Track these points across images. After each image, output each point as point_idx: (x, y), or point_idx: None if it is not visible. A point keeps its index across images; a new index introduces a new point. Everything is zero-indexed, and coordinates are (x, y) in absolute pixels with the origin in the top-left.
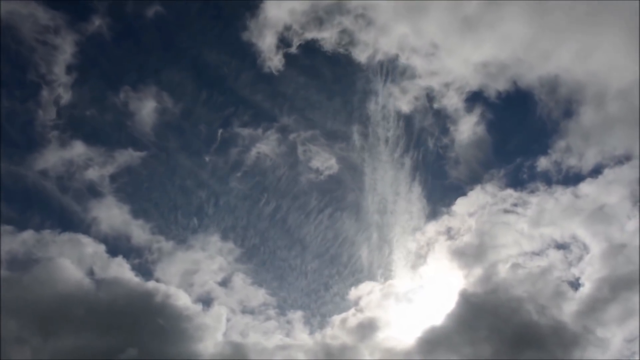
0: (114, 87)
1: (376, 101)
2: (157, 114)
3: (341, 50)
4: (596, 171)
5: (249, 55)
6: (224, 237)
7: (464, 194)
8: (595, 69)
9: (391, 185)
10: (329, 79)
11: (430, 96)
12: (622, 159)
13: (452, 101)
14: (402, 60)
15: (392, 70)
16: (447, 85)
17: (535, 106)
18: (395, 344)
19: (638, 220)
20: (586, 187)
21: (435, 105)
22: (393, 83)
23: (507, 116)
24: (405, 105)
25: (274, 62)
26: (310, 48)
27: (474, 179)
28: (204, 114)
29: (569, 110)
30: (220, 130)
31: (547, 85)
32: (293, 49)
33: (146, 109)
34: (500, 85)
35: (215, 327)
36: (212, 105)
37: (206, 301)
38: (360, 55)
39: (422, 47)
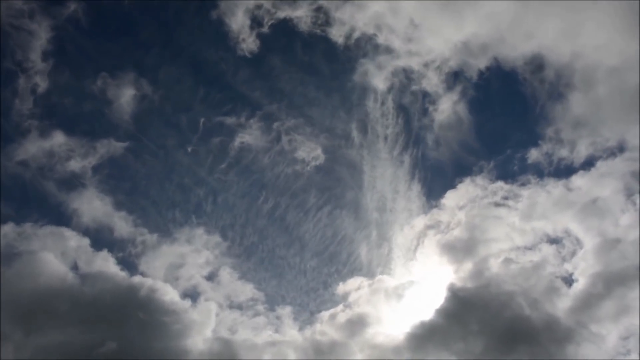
0: (91, 75)
1: (352, 79)
2: (136, 102)
3: (317, 30)
4: (588, 163)
5: (222, 37)
6: (210, 230)
7: (453, 186)
8: (582, 48)
9: (390, 183)
10: (306, 62)
11: (409, 77)
12: (615, 151)
13: (432, 82)
14: (380, 40)
15: (369, 50)
16: (426, 65)
17: (522, 88)
18: (385, 339)
19: (633, 214)
20: (578, 180)
21: (414, 86)
22: (371, 63)
23: (492, 100)
24: (382, 83)
25: (248, 43)
26: (284, 28)
27: (463, 171)
28: (185, 101)
29: (557, 94)
30: (202, 119)
31: (533, 64)
32: (265, 29)
33: (125, 96)
34: (481, 64)
35: (204, 323)
36: (193, 92)
37: (193, 296)
38: (337, 35)
39: (400, 27)
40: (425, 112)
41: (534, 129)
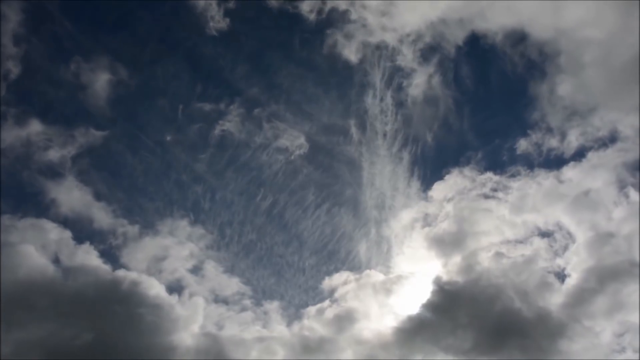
0: (65, 59)
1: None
2: (112, 88)
3: (289, 7)
4: (579, 154)
5: (191, 17)
6: (194, 222)
7: (440, 178)
8: (566, 23)
9: (389, 180)
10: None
11: (383, 53)
12: (607, 141)
13: (407, 57)
14: (354, 15)
15: (341, 23)
16: (401, 41)
17: (503, 66)
18: (373, 334)
19: (626, 207)
20: (569, 172)
21: (389, 63)
22: (344, 37)
23: (471, 77)
24: (353, 55)
25: (217, 22)
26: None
27: (450, 161)
28: (162, 87)
29: (541, 72)
30: (180, 106)
31: (513, 38)
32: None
33: (100, 81)
34: (459, 39)
35: (190, 318)
36: (168, 76)
37: (177, 289)
38: (308, 11)
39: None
40: (399, 87)
41: (520, 112)
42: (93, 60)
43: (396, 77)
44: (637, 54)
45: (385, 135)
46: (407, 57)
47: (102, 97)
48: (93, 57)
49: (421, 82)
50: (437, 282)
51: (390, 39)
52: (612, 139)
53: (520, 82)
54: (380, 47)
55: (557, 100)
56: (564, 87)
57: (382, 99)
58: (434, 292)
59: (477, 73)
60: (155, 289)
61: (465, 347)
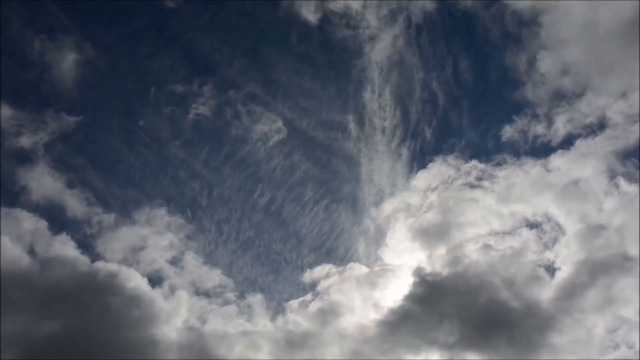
0: (31, 38)
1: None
2: (79, 68)
3: None
4: (567, 142)
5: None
6: (172, 211)
7: (423, 166)
8: None
9: (388, 177)
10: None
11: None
12: (595, 129)
13: (371, 22)
14: None
15: None
16: (365, 6)
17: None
18: (357, 328)
19: (617, 198)
20: (557, 160)
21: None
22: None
23: (440, 43)
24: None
25: None
26: None
27: (434, 149)
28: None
29: (518, 39)
30: (152, 89)
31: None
32: None
33: (67, 61)
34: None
35: (173, 312)
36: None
37: (157, 281)
38: None
39: None
40: (360, 52)
41: (504, 93)
42: (58, 39)
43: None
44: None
45: (384, 131)
46: (370, 22)
47: (71, 79)
48: (58, 35)
49: (386, 45)
50: (418, 274)
51: (354, 3)
52: (600, 125)
53: (493, 46)
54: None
55: (538, 77)
56: (546, 65)
57: (380, 95)
58: (415, 285)
59: (446, 38)
60: (134, 280)
61: (451, 341)
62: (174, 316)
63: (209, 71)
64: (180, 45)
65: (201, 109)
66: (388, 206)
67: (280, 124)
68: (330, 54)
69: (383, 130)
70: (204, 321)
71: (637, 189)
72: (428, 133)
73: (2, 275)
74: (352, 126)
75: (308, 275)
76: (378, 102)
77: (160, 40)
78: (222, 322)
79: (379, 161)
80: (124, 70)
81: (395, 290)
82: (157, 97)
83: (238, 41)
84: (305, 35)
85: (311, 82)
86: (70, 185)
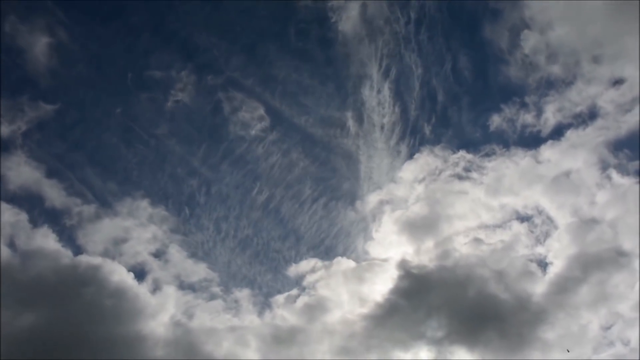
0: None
1: None
2: (53, 53)
3: None
4: (557, 132)
5: None
6: (155, 203)
7: (409, 157)
8: None
9: (387, 174)
10: None
11: None
12: (586, 118)
13: None
14: None
15: None
16: None
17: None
18: (345, 322)
19: (610, 190)
20: (547, 151)
21: None
22: None
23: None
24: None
25: None
26: None
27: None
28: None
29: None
30: (130, 74)
31: None
32: None
33: (39, 44)
34: None
35: (160, 307)
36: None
37: (140, 274)
38: None
39: None
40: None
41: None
42: (30, 21)
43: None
44: None
45: (382, 127)
46: None
47: (41, 62)
48: (31, 18)
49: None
50: (403, 267)
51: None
52: (591, 115)
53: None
54: None
55: (519, 55)
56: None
57: (379, 91)
58: (401, 279)
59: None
60: (118, 274)
61: (439, 336)
62: (159, 311)
63: (206, 66)
64: (167, 33)
65: (180, 95)
66: (373, 198)
67: (275, 120)
68: (328, 50)
69: (382, 127)
70: (190, 316)
71: (630, 181)
72: (427, 130)
73: None
74: (350, 123)
75: (293, 270)
76: (377, 98)
77: (142, 22)
78: (209, 317)
79: (378, 158)
80: (101, 55)
81: (383, 285)
82: (135, 83)
83: (236, 37)
84: (303, 32)
85: (310, 79)
86: (48, 175)
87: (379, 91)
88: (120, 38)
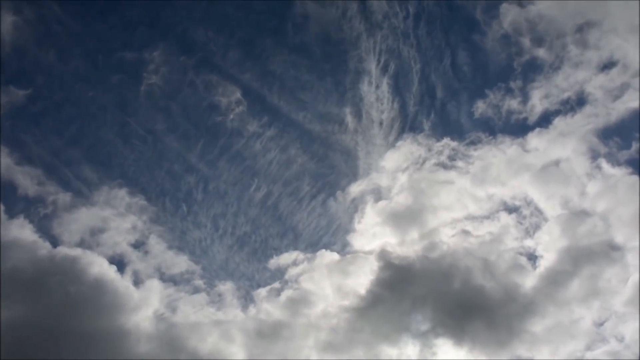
0: None
1: None
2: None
3: None
4: (545, 119)
5: None
6: (133, 192)
7: (393, 146)
8: None
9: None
10: None
11: None
12: (574, 105)
13: None
14: None
15: None
16: None
17: None
18: (329, 315)
19: (600, 181)
20: (535, 139)
21: None
22: None
23: None
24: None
25: None
26: None
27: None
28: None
29: None
30: (100, 56)
31: None
32: None
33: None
34: None
35: (143, 300)
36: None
37: (119, 266)
38: None
39: None
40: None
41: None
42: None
43: None
44: None
45: (381, 123)
46: None
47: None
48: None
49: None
50: (385, 257)
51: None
52: (579, 101)
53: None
54: None
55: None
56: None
57: (377, 86)
58: (383, 270)
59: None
60: (98, 265)
61: (425, 329)
62: (141, 304)
63: (205, 62)
64: (163, 28)
65: (154, 78)
66: (355, 189)
67: (273, 116)
68: (326, 45)
69: (381, 123)
70: (174, 310)
71: (622, 172)
72: (427, 126)
73: None
74: (349, 119)
75: (274, 262)
76: (375, 94)
77: (137, 17)
78: (192, 310)
79: (376, 155)
80: (75, 35)
81: (366, 278)
82: (105, 65)
83: (233, 32)
84: (301, 26)
85: (308, 74)
86: (19, 162)
87: (377, 87)
88: (116, 32)
